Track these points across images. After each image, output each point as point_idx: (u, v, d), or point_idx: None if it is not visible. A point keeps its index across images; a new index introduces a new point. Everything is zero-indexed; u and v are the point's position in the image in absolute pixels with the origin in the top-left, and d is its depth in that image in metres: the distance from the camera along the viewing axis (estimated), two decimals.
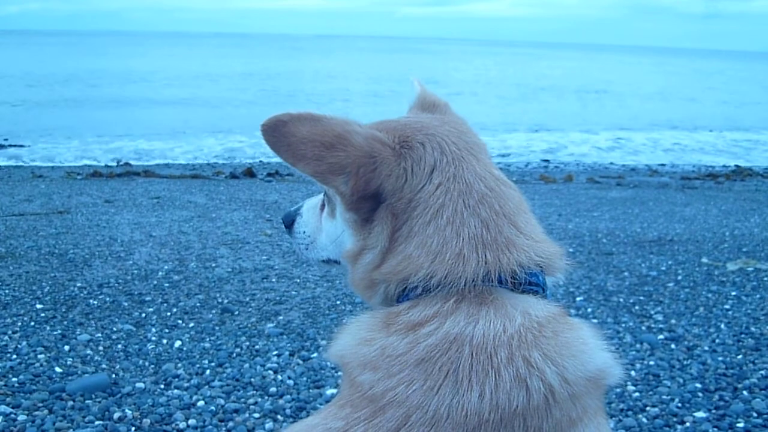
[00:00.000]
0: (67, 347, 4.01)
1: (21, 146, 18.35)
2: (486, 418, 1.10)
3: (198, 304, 4.83)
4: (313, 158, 1.28)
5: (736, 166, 16.55)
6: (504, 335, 1.18)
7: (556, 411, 1.14)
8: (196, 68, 50.44)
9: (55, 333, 4.21)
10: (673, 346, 4.20)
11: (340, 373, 1.30)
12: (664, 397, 3.52)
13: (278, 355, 3.97)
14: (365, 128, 1.34)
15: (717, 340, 4.29)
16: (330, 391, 3.51)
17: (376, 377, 1.17)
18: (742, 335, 4.38)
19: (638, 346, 4.18)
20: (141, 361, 3.86)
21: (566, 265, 1.36)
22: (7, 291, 4.98)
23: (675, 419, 3.31)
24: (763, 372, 3.82)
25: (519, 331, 1.18)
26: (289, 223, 1.73)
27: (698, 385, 3.65)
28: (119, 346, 4.07)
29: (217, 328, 4.39)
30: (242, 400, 3.44)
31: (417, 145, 1.34)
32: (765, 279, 5.71)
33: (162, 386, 3.57)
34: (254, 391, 3.53)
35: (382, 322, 1.26)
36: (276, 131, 1.29)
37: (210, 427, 3.17)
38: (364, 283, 1.38)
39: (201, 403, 3.39)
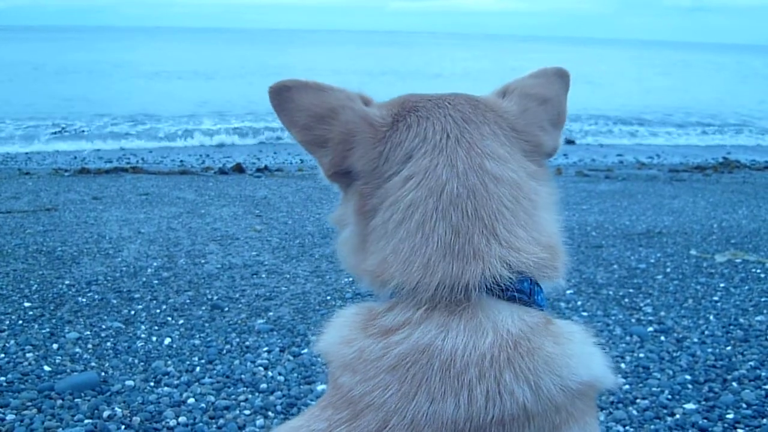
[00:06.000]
0: (55, 345, 3.99)
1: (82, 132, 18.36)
2: (461, 428, 1.09)
3: (187, 301, 4.81)
4: (302, 127, 1.33)
5: (724, 158, 16.62)
6: (474, 353, 1.13)
7: (537, 420, 1.12)
8: (192, 63, 50.17)
9: (43, 331, 4.18)
10: (662, 338, 4.22)
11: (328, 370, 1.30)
12: (653, 389, 3.54)
13: (268, 352, 3.96)
14: (372, 106, 1.33)
15: (706, 332, 4.32)
16: (321, 387, 3.51)
17: (354, 380, 1.17)
18: (731, 326, 4.41)
19: (628, 338, 4.20)
20: (130, 359, 3.84)
21: (553, 272, 1.26)
22: None
23: (665, 411, 3.33)
24: (752, 363, 3.84)
25: (490, 349, 1.13)
26: None
27: (688, 377, 3.67)
28: (108, 343, 4.04)
29: (206, 324, 4.37)
30: (233, 397, 3.43)
31: (402, 128, 1.29)
32: (753, 270, 5.75)
33: (152, 384, 3.55)
34: (245, 388, 3.52)
35: (363, 321, 1.25)
36: (280, 95, 1.34)
37: (200, 424, 3.16)
38: (350, 266, 1.37)
39: (191, 400, 3.38)
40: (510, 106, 1.38)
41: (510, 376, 1.12)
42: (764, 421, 3.24)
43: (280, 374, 3.67)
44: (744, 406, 3.38)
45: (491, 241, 1.21)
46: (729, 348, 4.06)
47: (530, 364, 1.13)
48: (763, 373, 3.71)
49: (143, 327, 4.31)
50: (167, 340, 4.10)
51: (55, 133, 18.49)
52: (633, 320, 4.52)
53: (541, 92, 1.45)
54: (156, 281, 5.26)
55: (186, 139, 18.71)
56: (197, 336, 4.18)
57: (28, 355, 3.84)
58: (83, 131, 19.01)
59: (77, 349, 3.94)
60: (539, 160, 1.37)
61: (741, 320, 4.53)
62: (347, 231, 1.36)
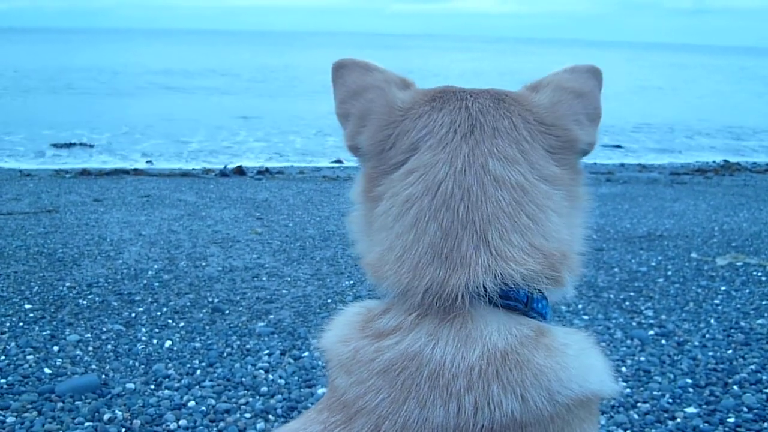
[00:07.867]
0: (56, 348, 3.98)
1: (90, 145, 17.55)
2: None
3: (188, 304, 4.81)
4: (340, 101, 1.41)
5: (725, 161, 16.61)
6: (463, 364, 1.11)
7: (529, 429, 1.11)
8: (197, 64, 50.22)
9: (44, 333, 4.18)
10: (663, 341, 4.22)
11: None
12: (654, 392, 3.54)
13: (269, 355, 3.95)
14: (410, 90, 1.35)
15: (707, 336, 4.31)
16: (321, 390, 3.50)
17: (348, 382, 1.17)
18: (732, 330, 4.41)
19: (629, 342, 4.19)
20: (131, 362, 3.84)
21: (553, 283, 1.20)
22: None
23: (666, 415, 3.32)
24: (753, 367, 3.84)
25: (479, 361, 1.11)
26: None
27: (689, 381, 3.67)
28: (109, 346, 4.04)
29: (207, 327, 4.37)
30: (233, 400, 3.42)
31: (413, 116, 1.27)
32: (754, 273, 5.74)
33: (152, 387, 3.55)
34: (245, 391, 3.51)
35: (361, 321, 1.24)
36: (337, 71, 1.44)
37: (201, 427, 3.16)
38: (358, 251, 1.36)
39: (192, 403, 3.38)
40: (540, 98, 1.31)
41: (497, 388, 1.10)
42: (765, 425, 3.24)
43: (280, 377, 3.67)
44: (745, 409, 3.37)
45: (480, 248, 1.16)
46: (730, 351, 4.06)
47: (518, 378, 1.11)
48: (764, 377, 3.71)
49: (144, 330, 4.31)
50: (168, 343, 4.10)
51: (61, 145, 17.89)
52: (634, 323, 4.52)
53: (576, 86, 1.37)
54: (157, 284, 5.26)
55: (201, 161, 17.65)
56: (198, 339, 4.18)
57: (28, 357, 3.84)
58: (92, 145, 18.43)
59: (78, 352, 3.94)
60: (569, 158, 1.31)
61: (742, 324, 4.52)
62: (356, 208, 1.37)
